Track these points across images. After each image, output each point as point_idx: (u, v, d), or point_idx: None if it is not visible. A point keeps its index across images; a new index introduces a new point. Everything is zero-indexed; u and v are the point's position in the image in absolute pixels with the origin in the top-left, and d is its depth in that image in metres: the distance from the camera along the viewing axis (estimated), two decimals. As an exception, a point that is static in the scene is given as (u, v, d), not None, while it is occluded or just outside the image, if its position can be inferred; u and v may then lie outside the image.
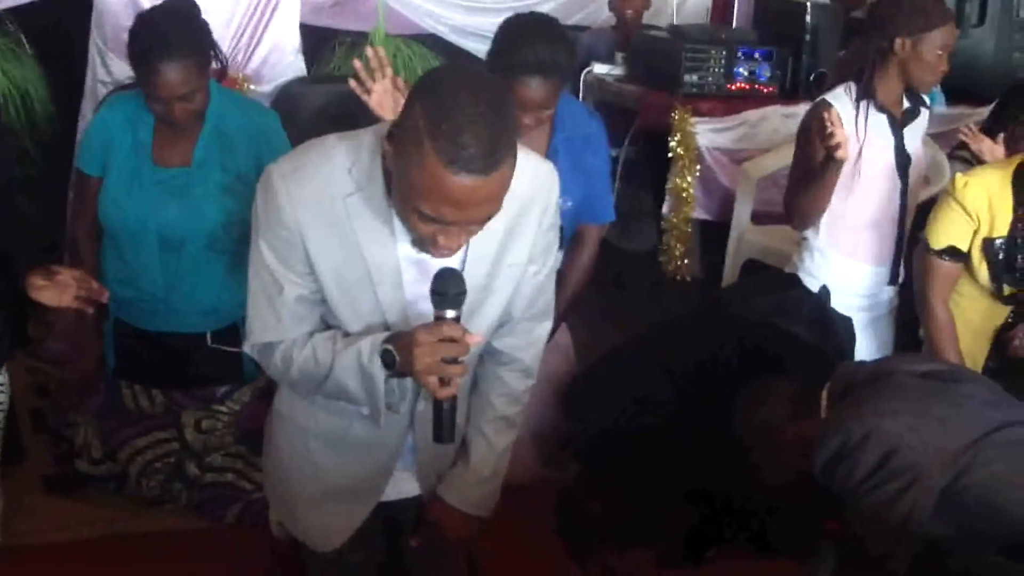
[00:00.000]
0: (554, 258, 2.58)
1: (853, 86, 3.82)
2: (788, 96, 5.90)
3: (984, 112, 5.47)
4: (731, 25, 6.95)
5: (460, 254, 2.34)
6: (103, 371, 4.02)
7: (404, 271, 2.35)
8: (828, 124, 3.58)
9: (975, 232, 3.61)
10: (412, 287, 2.35)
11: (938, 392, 2.73)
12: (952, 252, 3.63)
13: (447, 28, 6.50)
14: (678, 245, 5.77)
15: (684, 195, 5.64)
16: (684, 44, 5.82)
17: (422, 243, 2.22)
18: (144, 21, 3.56)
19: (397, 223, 2.28)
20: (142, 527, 3.91)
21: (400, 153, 2.10)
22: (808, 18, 6.05)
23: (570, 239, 4.02)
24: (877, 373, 2.82)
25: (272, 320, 2.41)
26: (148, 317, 3.85)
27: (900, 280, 4.00)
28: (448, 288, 2.24)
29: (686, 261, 5.86)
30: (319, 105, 5.41)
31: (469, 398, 2.67)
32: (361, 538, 2.74)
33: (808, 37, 6.03)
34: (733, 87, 5.90)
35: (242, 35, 5.38)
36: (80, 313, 3.20)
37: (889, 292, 4.01)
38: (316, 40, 6.06)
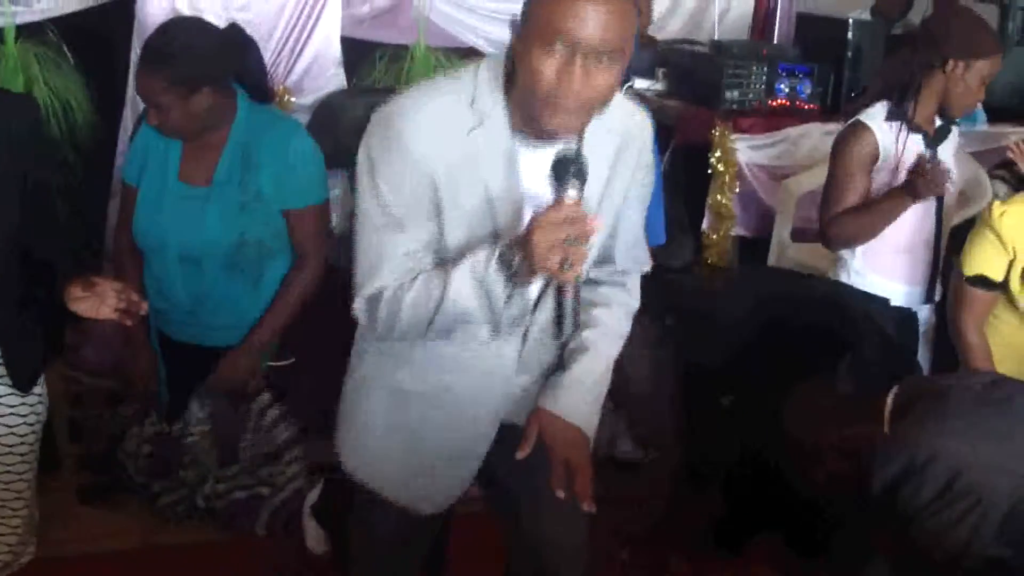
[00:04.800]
0: (646, 206, 2.69)
1: (887, 104, 3.79)
2: (829, 113, 5.86)
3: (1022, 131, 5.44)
4: (772, 41, 6.91)
5: None
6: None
7: (526, 206, 2.39)
8: (927, 165, 3.61)
9: (1011, 262, 3.56)
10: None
11: (1003, 410, 2.70)
12: (983, 281, 3.59)
13: (486, 42, 6.49)
14: (717, 262, 5.73)
15: (724, 211, 5.61)
16: (725, 60, 5.79)
17: (543, 109, 2.25)
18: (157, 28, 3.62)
19: (521, 155, 2.36)
20: (176, 538, 3.92)
21: (528, 13, 2.23)
22: (850, 35, 6.01)
23: None
24: (940, 389, 2.78)
25: (383, 265, 2.42)
26: (179, 328, 3.86)
27: (936, 299, 3.97)
28: (568, 168, 2.26)
29: (719, 269, 5.83)
30: (360, 118, 5.39)
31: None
32: (414, 532, 2.79)
33: (850, 54, 5.99)
34: (774, 103, 5.86)
35: (284, 47, 5.39)
36: (122, 325, 3.20)
37: (925, 311, 3.98)
38: (356, 53, 6.06)
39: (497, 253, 2.31)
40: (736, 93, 5.79)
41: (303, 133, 3.86)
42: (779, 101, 5.88)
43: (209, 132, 3.65)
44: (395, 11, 6.25)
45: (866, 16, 6.70)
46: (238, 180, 3.66)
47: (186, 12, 5.18)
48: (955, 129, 3.96)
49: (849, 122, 3.84)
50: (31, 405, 3.24)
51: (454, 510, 2.85)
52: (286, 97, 5.25)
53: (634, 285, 2.76)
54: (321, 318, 3.84)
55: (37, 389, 3.24)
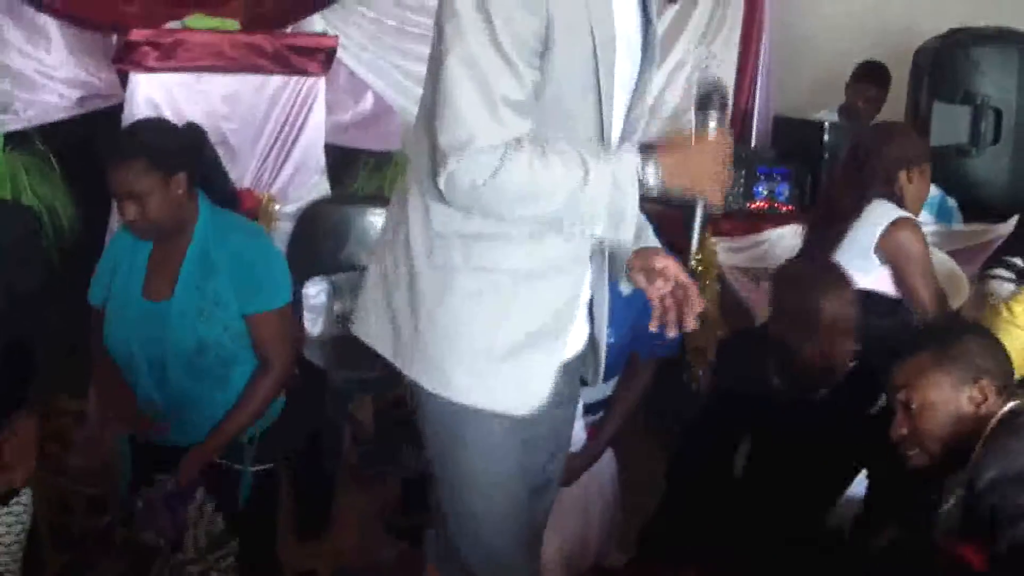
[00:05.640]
0: None
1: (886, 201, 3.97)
2: (807, 214, 5.92)
3: (1001, 229, 5.49)
4: (750, 143, 6.99)
5: None
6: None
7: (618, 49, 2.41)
8: None
9: None
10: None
11: None
12: None
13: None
14: (699, 363, 5.76)
15: (706, 316, 5.63)
16: (704, 163, 5.85)
17: None
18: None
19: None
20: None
21: None
22: (826, 137, 6.09)
23: (625, 365, 4.00)
24: None
25: (495, 112, 2.28)
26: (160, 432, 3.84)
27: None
28: (712, 98, 2.42)
29: (705, 375, 5.85)
30: (343, 225, 5.44)
31: None
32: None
33: (826, 155, 6.07)
34: (753, 206, 5.93)
35: (268, 156, 5.43)
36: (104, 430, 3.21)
37: None
38: (340, 160, 6.10)
39: (643, 163, 2.38)
40: (715, 196, 5.84)
41: (263, 237, 3.90)
42: (758, 204, 5.95)
43: (175, 236, 3.69)
44: (378, 117, 6.31)
45: (833, 116, 6.81)
46: (196, 285, 3.68)
47: (172, 120, 5.24)
48: None
49: (896, 218, 4.00)
50: (16, 514, 3.24)
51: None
52: (271, 206, 5.28)
53: None
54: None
55: (23, 498, 3.24)
